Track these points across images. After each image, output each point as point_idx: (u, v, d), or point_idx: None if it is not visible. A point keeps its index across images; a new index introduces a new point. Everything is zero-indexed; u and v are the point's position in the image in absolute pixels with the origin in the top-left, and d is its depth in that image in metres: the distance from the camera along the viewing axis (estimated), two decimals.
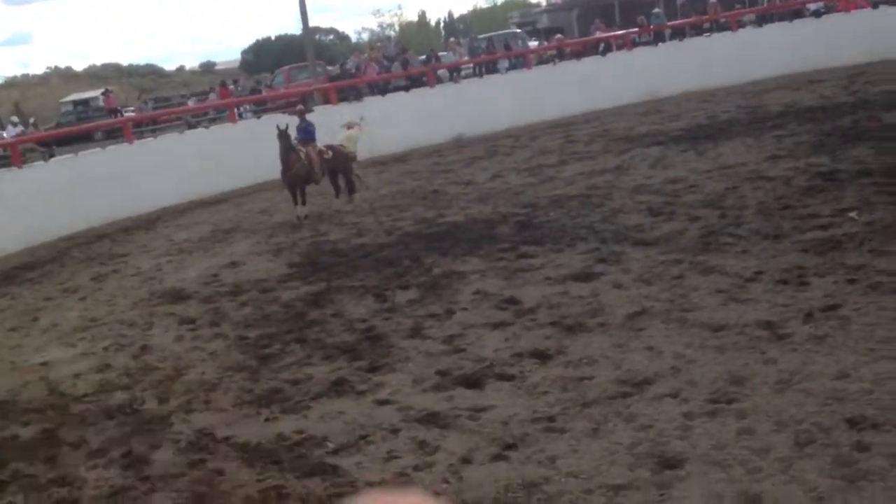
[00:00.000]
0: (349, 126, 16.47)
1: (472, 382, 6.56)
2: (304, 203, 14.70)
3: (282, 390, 7.06)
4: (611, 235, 10.22)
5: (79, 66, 72.15)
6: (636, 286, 8.20)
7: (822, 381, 5.50)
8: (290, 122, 15.21)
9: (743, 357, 6.11)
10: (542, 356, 6.83)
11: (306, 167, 14.59)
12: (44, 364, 8.81)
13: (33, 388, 8.13)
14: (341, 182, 15.45)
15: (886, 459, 4.48)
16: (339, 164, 15.24)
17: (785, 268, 7.90)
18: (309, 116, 16.11)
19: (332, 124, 17.03)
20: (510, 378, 6.53)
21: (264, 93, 28.72)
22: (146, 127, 26.96)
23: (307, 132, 15.18)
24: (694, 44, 25.75)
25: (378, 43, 42.44)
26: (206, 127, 22.88)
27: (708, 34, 26.62)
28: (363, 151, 16.68)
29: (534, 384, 6.33)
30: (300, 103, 19.29)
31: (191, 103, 32.62)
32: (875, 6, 26.57)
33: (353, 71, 27.00)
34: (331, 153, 15.10)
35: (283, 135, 14.39)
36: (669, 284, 8.07)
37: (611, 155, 16.26)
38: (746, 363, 5.99)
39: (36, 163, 19.51)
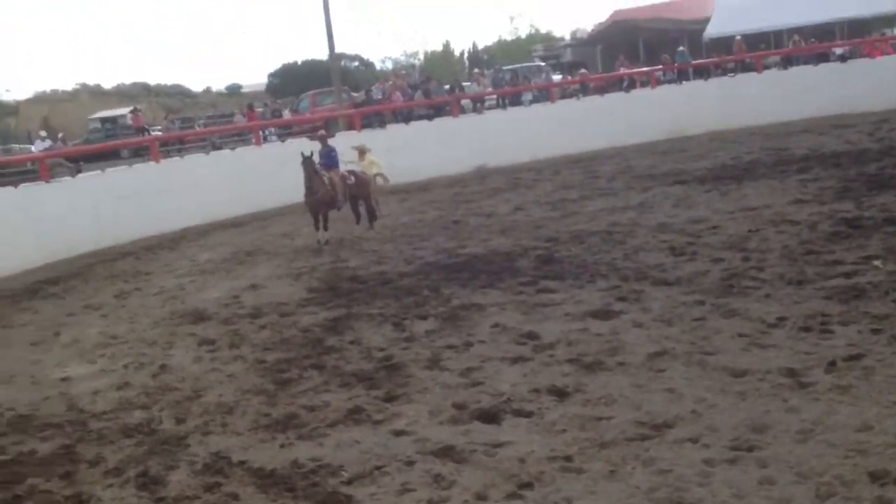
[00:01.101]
0: (361, 150, 16.48)
1: (489, 417, 6.52)
2: (325, 228, 14.76)
3: (298, 416, 7.04)
4: (632, 273, 10.20)
5: (108, 84, 72.93)
6: (657, 326, 8.16)
7: (844, 433, 5.44)
8: (313, 147, 15.33)
9: (765, 404, 6.05)
10: (561, 393, 6.79)
11: (330, 193, 14.67)
12: (64, 380, 8.85)
13: (53, 403, 8.16)
14: (362, 208, 15.51)
15: None
16: (361, 191, 15.32)
17: (808, 314, 7.85)
18: (332, 142, 16.21)
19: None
20: (528, 414, 6.50)
21: (288, 116, 29.02)
22: (172, 146, 27.27)
23: (329, 157, 15.27)
24: (718, 83, 25.83)
25: (402, 71, 42.74)
26: (232, 149, 23.09)
27: (732, 74, 26.70)
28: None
29: (551, 422, 6.29)
30: (322, 129, 19.43)
31: (198, 127, 32.90)
32: None
33: (378, 98, 27.24)
34: (353, 178, 15.18)
35: (307, 161, 14.49)
36: (690, 326, 8.03)
37: (633, 192, 16.26)
38: (768, 410, 5.94)
39: (63, 178, 19.78)
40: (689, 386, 6.58)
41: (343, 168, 15.49)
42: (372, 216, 15.48)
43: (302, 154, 14.57)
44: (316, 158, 14.87)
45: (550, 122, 23.50)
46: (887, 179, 13.87)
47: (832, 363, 6.60)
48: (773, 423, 5.72)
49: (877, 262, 9.19)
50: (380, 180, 16.00)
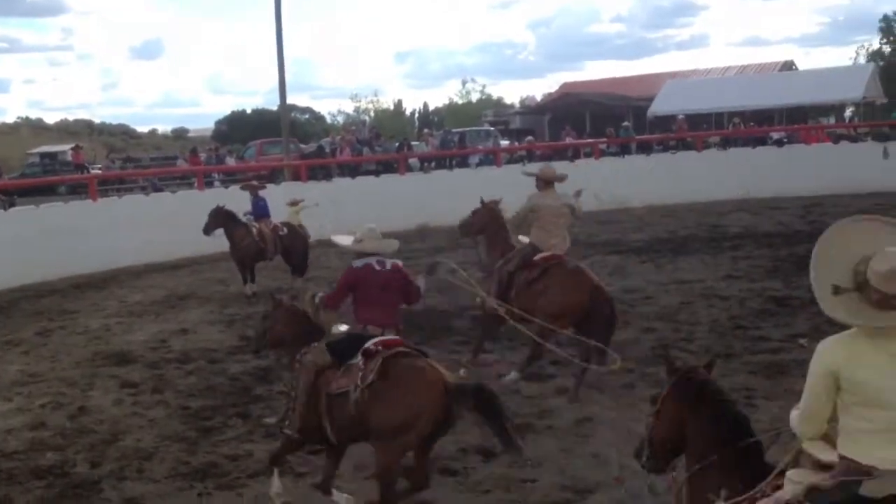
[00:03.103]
0: (294, 203, 16.51)
1: None
2: (252, 280, 14.50)
3: (219, 465, 6.90)
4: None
5: (50, 119, 72.10)
6: (586, 392, 8.21)
7: None
8: (242, 197, 15.28)
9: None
10: (487, 453, 6.76)
11: (257, 244, 14.48)
12: None
13: None
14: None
15: None
16: (294, 243, 14.99)
17: (733, 387, 7.93)
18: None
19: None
20: (454, 473, 6.46)
21: (233, 163, 28.90)
22: (112, 185, 26.88)
23: (259, 207, 15.05)
24: (659, 159, 26.39)
25: (353, 126, 42.99)
26: (173, 192, 22.84)
27: (673, 151, 27.37)
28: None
29: (477, 482, 6.27)
30: (254, 179, 19.29)
31: (98, 169, 32.22)
32: (836, 141, 27.61)
33: (328, 150, 27.32)
34: (285, 230, 14.96)
35: (216, 211, 14.46)
36: (619, 393, 8.09)
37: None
38: None
39: None
40: (614, 452, 6.59)
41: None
42: (298, 269, 15.03)
43: (218, 206, 14.54)
44: (246, 208, 14.80)
45: (495, 186, 23.56)
46: None
47: None
48: None
49: (802, 341, 9.39)
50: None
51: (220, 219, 14.47)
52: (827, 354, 3.28)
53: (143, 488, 6.53)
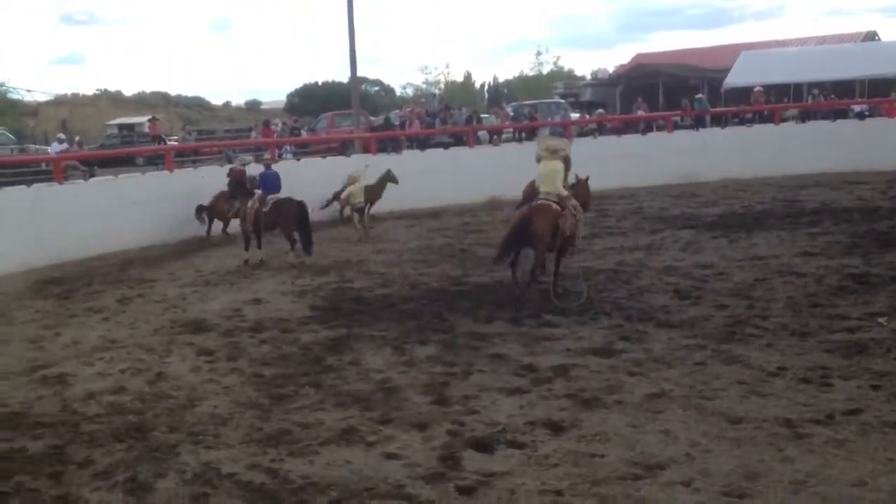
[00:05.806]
0: (352, 180, 17.27)
1: (483, 446, 6.49)
2: (246, 249, 15.42)
3: (291, 432, 7.03)
4: (636, 314, 10.19)
5: (128, 91, 73.50)
6: (657, 368, 8.14)
7: (838, 487, 5.40)
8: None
9: (759, 452, 6.01)
10: (556, 427, 6.77)
11: (242, 216, 15.43)
12: (60, 380, 8.83)
13: (47, 402, 8.15)
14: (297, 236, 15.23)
15: None
16: (281, 220, 15.10)
17: (809, 366, 7.82)
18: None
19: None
20: (521, 446, 6.47)
21: (304, 136, 29.18)
22: (188, 157, 27.41)
23: (267, 181, 15.44)
24: (735, 132, 25.83)
25: (422, 98, 42.94)
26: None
27: (750, 124, 26.75)
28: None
29: (545, 455, 6.26)
30: (269, 154, 19.78)
31: (175, 140, 32.96)
32: None
33: (396, 123, 27.40)
34: (269, 206, 15.09)
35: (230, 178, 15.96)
36: (690, 370, 8.00)
37: (642, 233, 16.26)
38: (762, 459, 5.90)
39: (76, 180, 19.84)
40: (684, 429, 6.54)
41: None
42: (292, 243, 15.19)
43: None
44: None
45: None
46: None
47: (830, 416, 6.57)
48: (766, 472, 5.68)
49: (881, 320, 9.17)
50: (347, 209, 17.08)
51: (233, 185, 16.06)
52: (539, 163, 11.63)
53: (218, 453, 6.69)
